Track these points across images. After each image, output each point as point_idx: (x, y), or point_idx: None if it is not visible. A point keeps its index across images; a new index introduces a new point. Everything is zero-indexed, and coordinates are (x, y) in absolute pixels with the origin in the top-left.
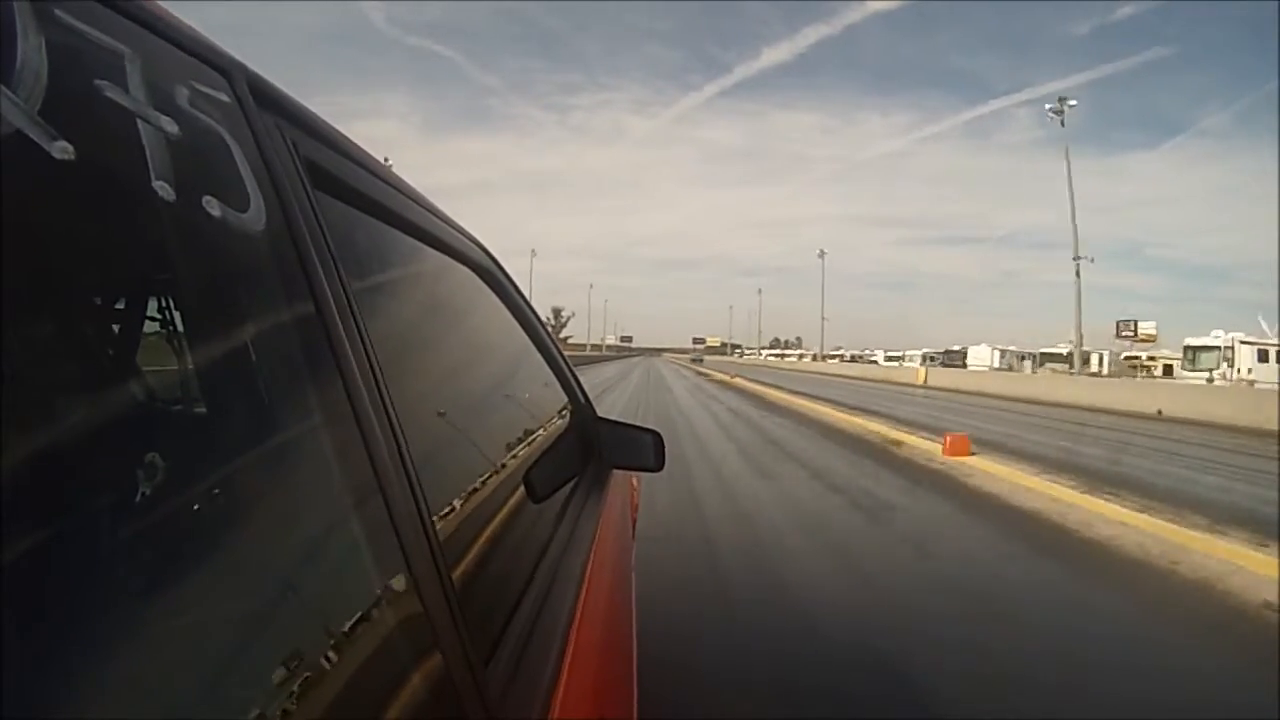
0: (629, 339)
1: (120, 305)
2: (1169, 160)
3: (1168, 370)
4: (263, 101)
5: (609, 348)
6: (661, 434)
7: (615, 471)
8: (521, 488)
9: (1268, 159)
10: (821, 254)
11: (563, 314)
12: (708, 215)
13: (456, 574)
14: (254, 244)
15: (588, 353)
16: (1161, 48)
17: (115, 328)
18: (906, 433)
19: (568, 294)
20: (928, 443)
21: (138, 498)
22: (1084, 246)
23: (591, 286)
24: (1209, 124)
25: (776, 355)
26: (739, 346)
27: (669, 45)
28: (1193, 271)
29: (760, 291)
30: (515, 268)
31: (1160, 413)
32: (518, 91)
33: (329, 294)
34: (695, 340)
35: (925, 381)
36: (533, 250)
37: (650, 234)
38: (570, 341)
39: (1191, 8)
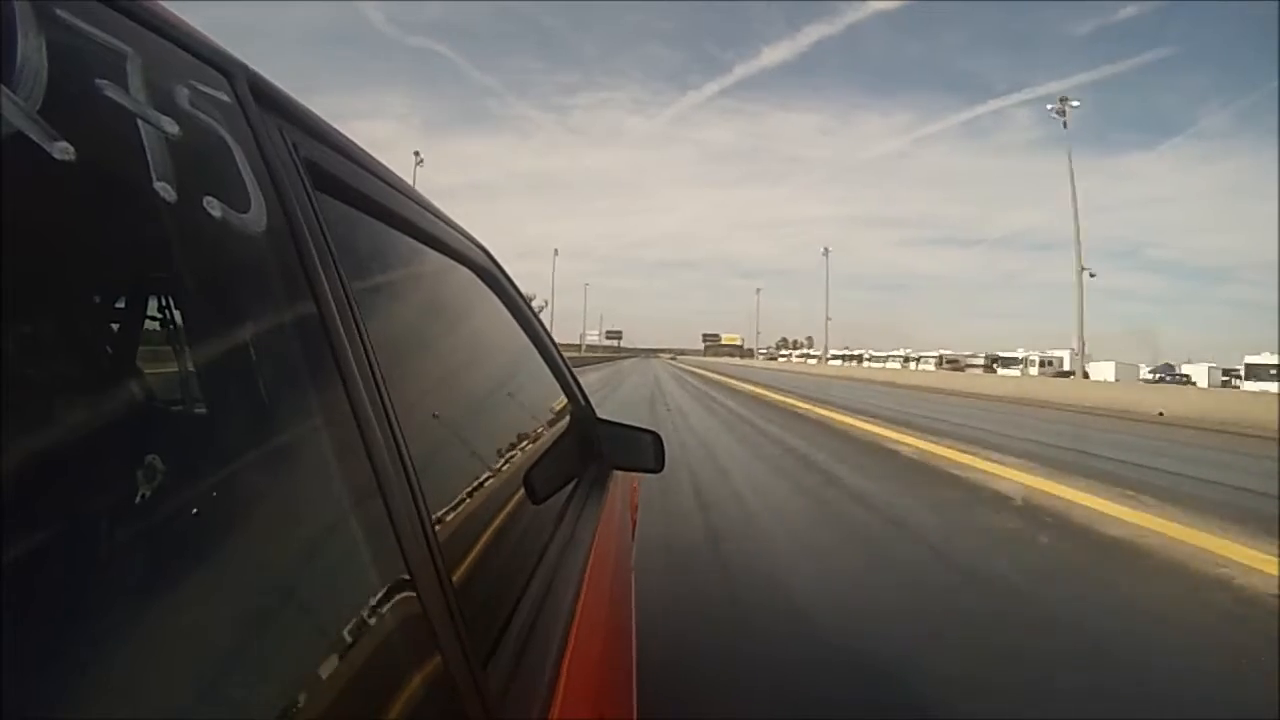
0: (617, 335)
1: (121, 305)
2: (1168, 161)
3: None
4: (264, 102)
5: (590, 348)
6: (661, 435)
7: (616, 472)
8: (521, 488)
9: (1267, 159)
10: (1072, 133)
11: (532, 304)
12: (707, 216)
13: (456, 575)
14: (255, 245)
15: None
16: (1162, 48)
17: (116, 328)
18: None
19: (564, 295)
20: None
21: (137, 498)
22: (1082, 247)
23: (557, 252)
24: (1209, 124)
25: (844, 357)
26: (765, 348)
27: (669, 45)
28: (1192, 272)
29: (826, 251)
30: (515, 269)
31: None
32: (516, 92)
33: (329, 295)
34: (706, 338)
35: None
36: (416, 155)
37: (649, 235)
38: None
39: (1192, 8)
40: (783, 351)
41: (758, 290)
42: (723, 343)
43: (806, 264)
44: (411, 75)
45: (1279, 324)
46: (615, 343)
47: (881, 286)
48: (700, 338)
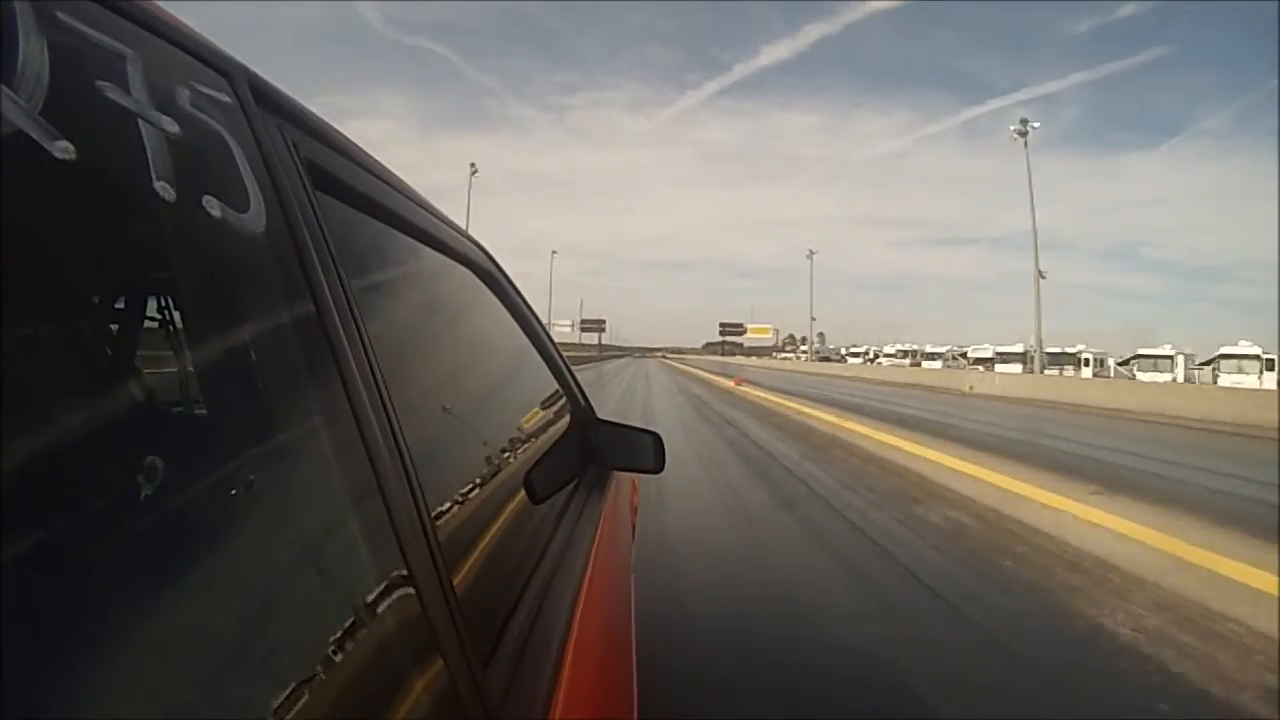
0: (598, 325)
1: (120, 305)
2: (1167, 161)
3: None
4: (263, 102)
5: (560, 346)
6: (661, 435)
7: (616, 473)
8: (521, 489)
9: (1266, 159)
10: None
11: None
12: (705, 216)
13: (456, 575)
14: (254, 244)
15: None
16: (1161, 47)
17: (115, 328)
18: None
19: (561, 295)
20: None
21: (137, 498)
22: (1081, 247)
23: (474, 169)
24: (1207, 124)
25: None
26: (815, 347)
27: (669, 45)
28: (1189, 272)
29: (1021, 132)
30: (513, 269)
31: None
32: (514, 92)
33: (329, 295)
34: (725, 329)
35: None
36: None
37: (646, 235)
38: None
39: (1192, 8)
40: (851, 350)
41: (810, 255)
42: (749, 335)
43: (803, 264)
44: (410, 75)
45: (1279, 323)
46: (596, 337)
47: (879, 286)
48: (718, 326)
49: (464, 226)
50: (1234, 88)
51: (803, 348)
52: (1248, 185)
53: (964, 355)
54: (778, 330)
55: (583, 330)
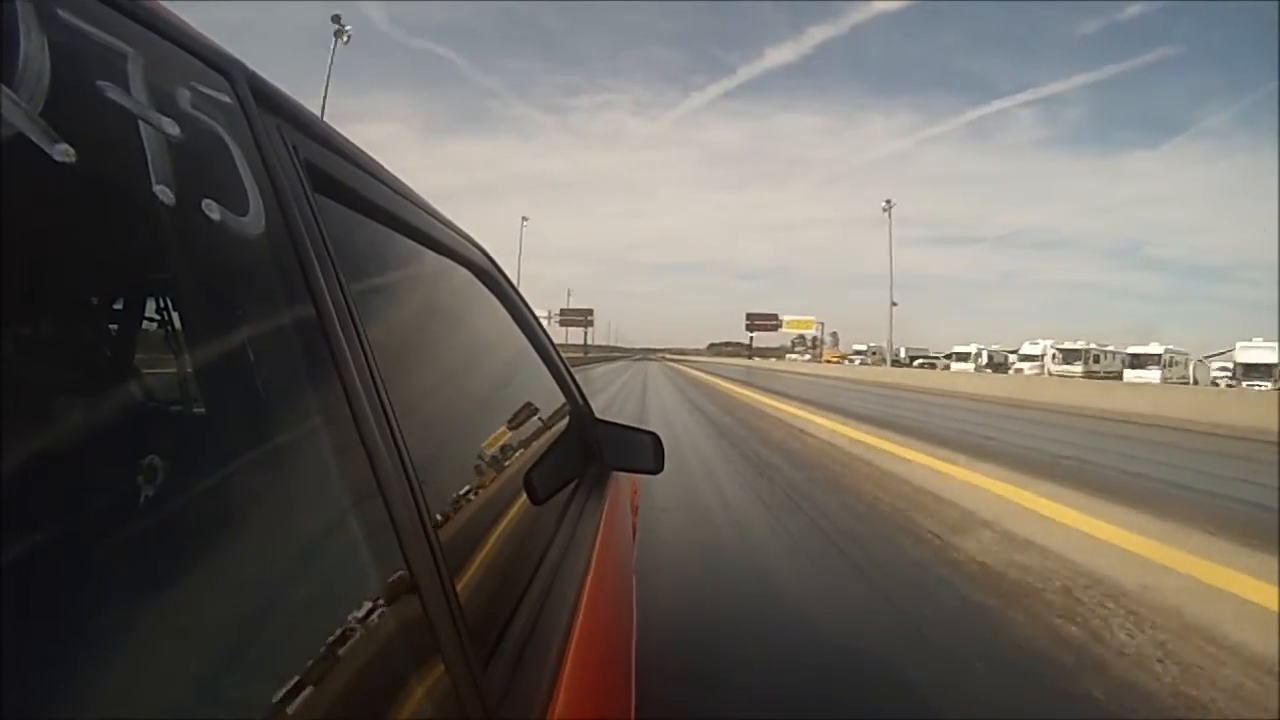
0: (583, 316)
1: (120, 307)
2: (1169, 161)
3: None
4: (264, 103)
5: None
6: (660, 436)
7: (616, 474)
8: (521, 490)
9: (1267, 157)
10: None
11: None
12: (709, 218)
13: (457, 576)
14: (253, 247)
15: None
16: (1165, 48)
17: (115, 330)
18: None
19: (560, 299)
20: None
21: (137, 499)
22: (1084, 245)
23: (340, 27)
24: (1210, 124)
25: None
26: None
27: (671, 47)
28: (1191, 270)
29: None
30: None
31: None
32: (517, 93)
33: (328, 297)
34: (754, 321)
35: None
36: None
37: (648, 238)
38: None
39: (1194, 8)
40: (956, 352)
41: (887, 206)
42: (785, 327)
43: (807, 265)
44: (413, 77)
45: (1279, 322)
46: (583, 334)
47: (881, 286)
48: (745, 317)
49: (321, 107)
50: (1236, 88)
51: (856, 348)
52: (1249, 184)
53: (1207, 358)
54: (822, 324)
55: (563, 324)
